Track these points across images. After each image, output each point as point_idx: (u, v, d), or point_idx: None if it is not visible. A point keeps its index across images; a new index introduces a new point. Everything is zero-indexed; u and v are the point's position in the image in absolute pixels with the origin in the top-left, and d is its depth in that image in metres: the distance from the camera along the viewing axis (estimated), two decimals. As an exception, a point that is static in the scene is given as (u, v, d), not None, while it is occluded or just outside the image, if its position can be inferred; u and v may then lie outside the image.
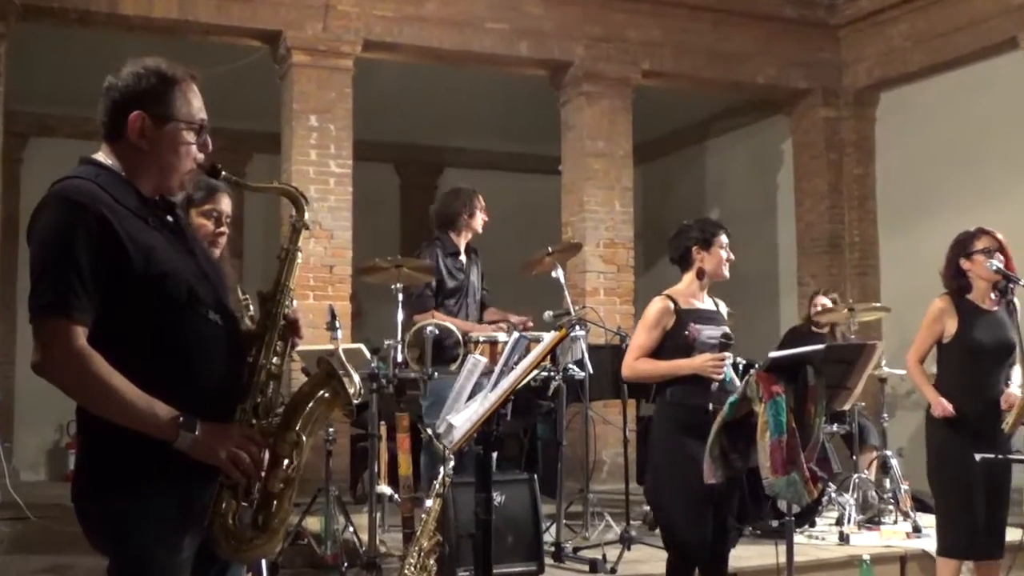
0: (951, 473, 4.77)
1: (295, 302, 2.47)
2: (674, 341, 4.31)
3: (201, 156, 2.40)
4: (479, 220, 6.26)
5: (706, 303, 4.46)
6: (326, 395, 2.38)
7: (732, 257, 4.41)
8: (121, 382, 2.15)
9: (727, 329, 4.37)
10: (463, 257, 6.29)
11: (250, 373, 2.34)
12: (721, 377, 4.19)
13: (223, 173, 2.45)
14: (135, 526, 2.21)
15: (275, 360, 2.37)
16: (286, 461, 2.31)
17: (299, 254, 2.48)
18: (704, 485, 3.99)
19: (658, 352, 4.35)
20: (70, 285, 2.14)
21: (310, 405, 2.37)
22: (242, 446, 2.23)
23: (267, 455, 2.28)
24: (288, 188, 2.58)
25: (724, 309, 4.53)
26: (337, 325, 4.44)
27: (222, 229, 3.72)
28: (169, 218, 2.40)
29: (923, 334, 4.93)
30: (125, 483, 2.21)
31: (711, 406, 4.12)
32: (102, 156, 2.36)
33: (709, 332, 4.29)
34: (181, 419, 2.18)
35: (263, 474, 2.28)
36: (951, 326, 4.83)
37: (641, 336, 4.39)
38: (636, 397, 6.51)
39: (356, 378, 2.42)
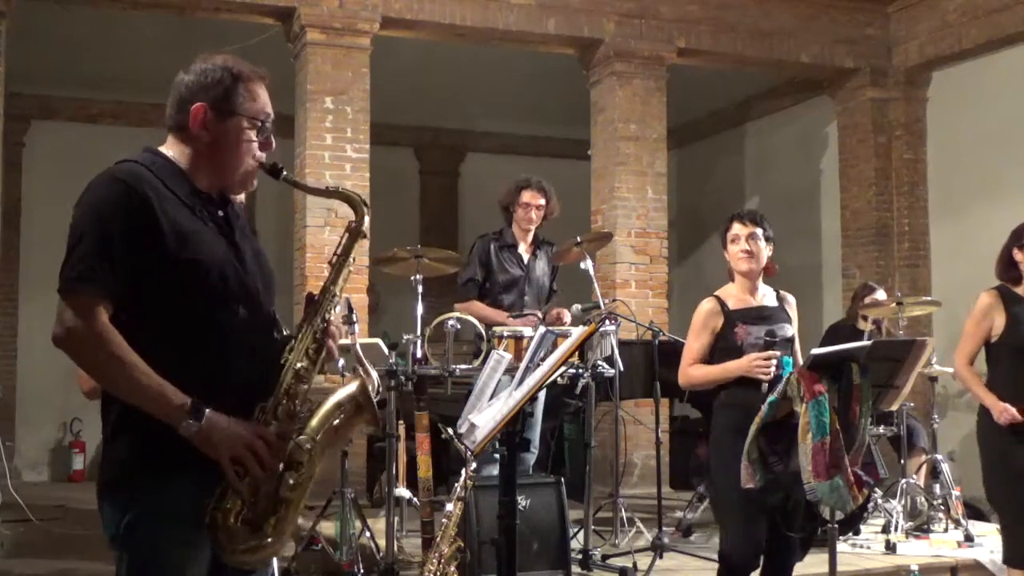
0: (1013, 478, 4.75)
1: (339, 307, 2.53)
2: (724, 343, 4.33)
3: (263, 155, 2.51)
4: (521, 213, 6.29)
5: (763, 299, 4.44)
6: (351, 410, 2.46)
7: (748, 248, 4.34)
8: (136, 361, 2.24)
9: (774, 327, 4.31)
10: (523, 251, 6.36)
11: (277, 374, 2.40)
12: (769, 376, 4.15)
13: (284, 173, 2.54)
14: (150, 519, 2.28)
15: (305, 363, 2.43)
16: (299, 466, 2.36)
17: (352, 260, 2.58)
18: (756, 492, 3.98)
19: (712, 356, 4.36)
20: (99, 261, 2.25)
21: (334, 417, 2.44)
22: (251, 444, 2.28)
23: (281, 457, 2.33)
24: (348, 193, 2.64)
25: (792, 303, 4.52)
26: (354, 319, 4.47)
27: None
28: (220, 213, 2.48)
29: (971, 332, 4.90)
30: (143, 476, 2.29)
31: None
32: (164, 147, 2.48)
33: (758, 332, 4.28)
34: (189, 406, 2.24)
35: (272, 476, 2.32)
36: (999, 323, 4.82)
37: (691, 342, 4.41)
38: (669, 396, 6.50)
39: (374, 374, 2.46)
